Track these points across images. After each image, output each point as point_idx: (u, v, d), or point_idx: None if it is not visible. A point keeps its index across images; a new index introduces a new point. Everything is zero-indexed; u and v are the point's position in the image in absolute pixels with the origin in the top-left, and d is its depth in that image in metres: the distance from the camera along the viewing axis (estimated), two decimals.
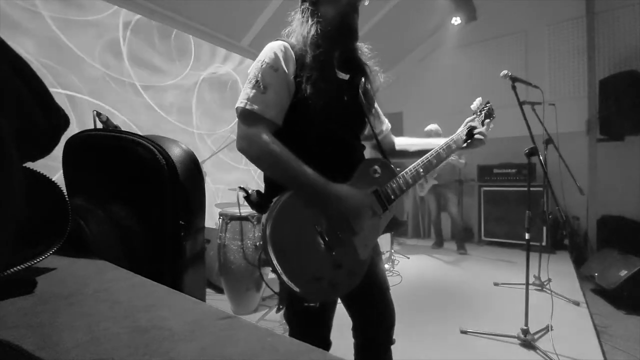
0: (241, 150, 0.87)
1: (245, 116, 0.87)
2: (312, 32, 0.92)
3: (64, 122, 0.41)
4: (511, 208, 4.41)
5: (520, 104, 1.93)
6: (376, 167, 0.98)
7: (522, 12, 4.85)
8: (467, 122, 1.12)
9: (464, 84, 5.28)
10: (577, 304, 2.52)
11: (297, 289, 0.84)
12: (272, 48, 0.91)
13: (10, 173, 0.32)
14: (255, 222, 2.43)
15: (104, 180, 0.64)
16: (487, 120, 1.14)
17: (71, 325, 0.31)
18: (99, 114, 2.20)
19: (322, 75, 0.90)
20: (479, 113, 1.15)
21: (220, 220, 2.52)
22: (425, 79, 5.64)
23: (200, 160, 0.80)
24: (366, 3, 0.96)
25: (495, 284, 3.03)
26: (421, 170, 1.02)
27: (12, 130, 0.33)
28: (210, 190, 3.75)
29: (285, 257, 0.83)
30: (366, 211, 0.92)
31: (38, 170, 0.42)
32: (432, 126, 4.24)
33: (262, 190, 0.94)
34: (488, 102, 1.17)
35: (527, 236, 2.05)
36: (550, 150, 2.72)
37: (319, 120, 0.90)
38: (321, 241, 0.87)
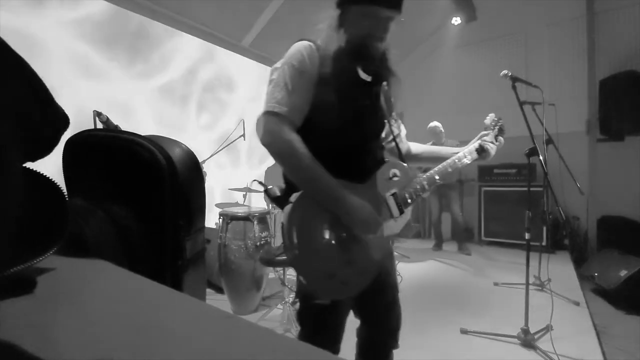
0: (265, 144, 0.89)
1: (272, 116, 0.89)
2: (338, 41, 0.92)
3: (64, 121, 0.41)
4: (511, 208, 4.41)
5: (521, 104, 1.93)
6: (396, 170, 1.00)
7: (522, 12, 4.85)
8: (481, 136, 1.16)
9: (464, 84, 5.28)
10: (577, 304, 2.52)
11: (309, 285, 0.85)
12: (299, 49, 0.92)
13: (9, 173, 0.32)
14: (255, 222, 2.43)
15: (104, 180, 0.64)
16: (500, 137, 1.18)
17: (71, 325, 0.31)
18: (99, 114, 2.21)
19: (344, 78, 0.91)
20: (492, 128, 1.18)
21: (221, 220, 2.52)
22: (426, 79, 5.64)
23: (200, 160, 0.80)
24: (402, 19, 0.94)
25: (495, 284, 3.03)
26: (437, 176, 1.04)
27: (11, 130, 0.33)
28: (210, 190, 3.75)
29: (300, 252, 0.84)
30: (374, 225, 0.92)
31: (38, 170, 0.42)
32: (434, 124, 4.20)
33: (283, 185, 0.96)
34: (500, 119, 1.21)
35: (527, 236, 2.05)
36: (550, 150, 2.72)
37: (339, 121, 0.91)
38: (336, 239, 0.88)
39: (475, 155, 1.11)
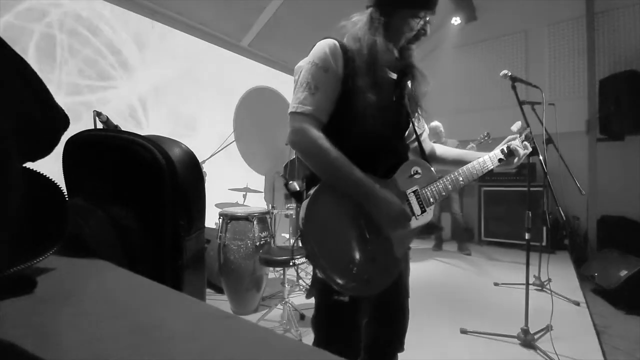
0: (291, 143, 0.89)
1: (297, 116, 0.89)
2: (372, 43, 0.91)
3: (64, 121, 0.41)
4: (511, 208, 4.41)
5: (520, 104, 1.93)
6: (418, 168, 0.99)
7: (522, 12, 4.85)
8: (508, 140, 1.14)
9: (464, 84, 5.28)
10: (577, 304, 2.52)
11: (330, 281, 0.83)
12: (322, 48, 0.91)
13: (8, 173, 0.32)
14: (255, 222, 2.43)
15: (104, 180, 0.64)
16: (526, 143, 1.17)
17: (71, 325, 0.31)
18: (99, 114, 2.21)
19: (371, 77, 0.91)
20: (519, 135, 1.17)
21: (220, 220, 2.52)
22: None
23: (200, 160, 0.80)
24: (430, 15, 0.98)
25: (495, 284, 3.03)
26: (461, 179, 1.03)
27: (11, 130, 0.33)
28: (210, 190, 3.74)
29: (319, 246, 0.83)
30: (404, 220, 0.91)
31: (38, 170, 0.42)
32: (435, 123, 4.19)
33: (302, 181, 0.97)
34: (528, 126, 1.23)
35: (527, 236, 2.05)
36: (550, 150, 2.72)
37: (364, 117, 0.91)
38: (359, 234, 0.87)
39: (498, 161, 1.10)
